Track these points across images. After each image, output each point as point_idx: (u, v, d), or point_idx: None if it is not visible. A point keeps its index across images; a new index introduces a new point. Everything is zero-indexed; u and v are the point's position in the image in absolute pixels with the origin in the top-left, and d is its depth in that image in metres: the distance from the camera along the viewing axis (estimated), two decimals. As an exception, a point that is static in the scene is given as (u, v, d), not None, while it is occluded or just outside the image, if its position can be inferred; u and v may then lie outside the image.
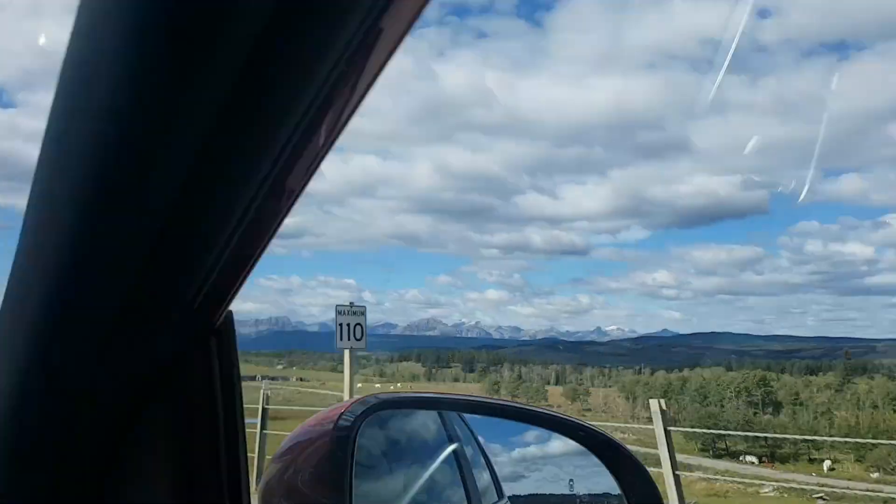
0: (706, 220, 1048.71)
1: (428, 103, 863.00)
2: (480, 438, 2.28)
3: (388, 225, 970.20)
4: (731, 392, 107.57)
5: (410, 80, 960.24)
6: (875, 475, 78.74)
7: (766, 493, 51.06)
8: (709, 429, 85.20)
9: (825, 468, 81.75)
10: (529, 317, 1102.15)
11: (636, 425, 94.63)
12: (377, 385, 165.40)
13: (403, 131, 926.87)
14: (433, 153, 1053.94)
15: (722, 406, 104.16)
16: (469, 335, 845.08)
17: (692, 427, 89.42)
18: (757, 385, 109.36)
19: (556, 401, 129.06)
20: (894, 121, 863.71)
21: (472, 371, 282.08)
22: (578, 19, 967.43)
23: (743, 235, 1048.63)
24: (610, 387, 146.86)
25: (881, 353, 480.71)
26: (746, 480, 60.94)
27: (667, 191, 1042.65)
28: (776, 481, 54.13)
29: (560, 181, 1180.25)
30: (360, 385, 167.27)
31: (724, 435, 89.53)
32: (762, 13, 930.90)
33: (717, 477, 71.05)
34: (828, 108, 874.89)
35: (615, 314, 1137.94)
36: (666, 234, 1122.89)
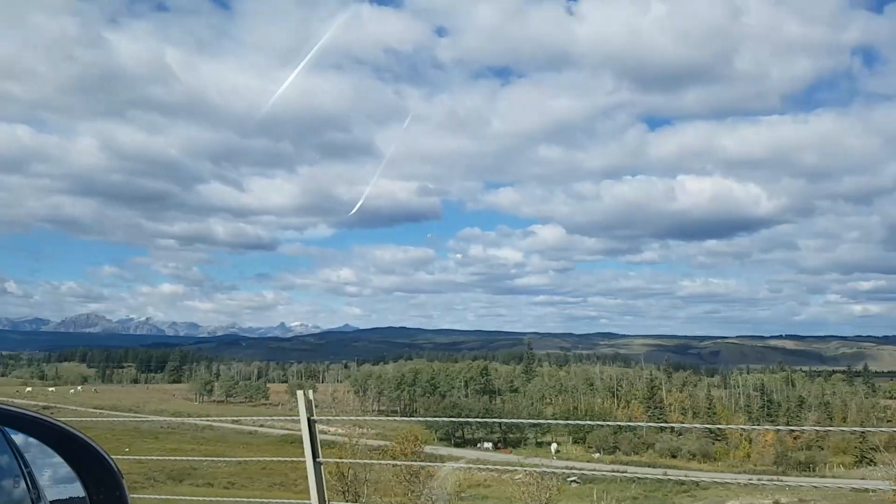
0: (387, 221, 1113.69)
1: (96, 73, 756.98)
2: None
3: (40, 206, 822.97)
4: (459, 381, 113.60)
5: (75, 45, 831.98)
6: (596, 455, 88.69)
7: (520, 478, 52.09)
8: (451, 417, 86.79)
9: (552, 450, 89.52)
10: (209, 312, 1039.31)
11: (370, 418, 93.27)
12: (51, 389, 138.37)
13: (64, 101, 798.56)
14: (100, 129, 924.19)
15: (458, 396, 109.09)
16: (139, 332, 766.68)
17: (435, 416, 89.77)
18: (480, 374, 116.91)
19: (281, 398, 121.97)
20: (544, 143, 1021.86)
21: (152, 371, 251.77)
22: (267, 8, 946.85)
23: (418, 237, 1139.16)
24: (341, 381, 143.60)
25: (534, 343, 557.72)
26: (499, 467, 62.63)
27: (351, 191, 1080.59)
28: (523, 466, 56.24)
29: (247, 173, 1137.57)
30: (28, 389, 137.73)
31: (463, 423, 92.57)
32: (440, 31, 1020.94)
33: (471, 466, 72.66)
34: (493, 125, 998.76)
35: (299, 310, 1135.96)
36: (350, 232, 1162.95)
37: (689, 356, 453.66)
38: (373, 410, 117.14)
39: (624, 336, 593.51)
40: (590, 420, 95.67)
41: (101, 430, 71.33)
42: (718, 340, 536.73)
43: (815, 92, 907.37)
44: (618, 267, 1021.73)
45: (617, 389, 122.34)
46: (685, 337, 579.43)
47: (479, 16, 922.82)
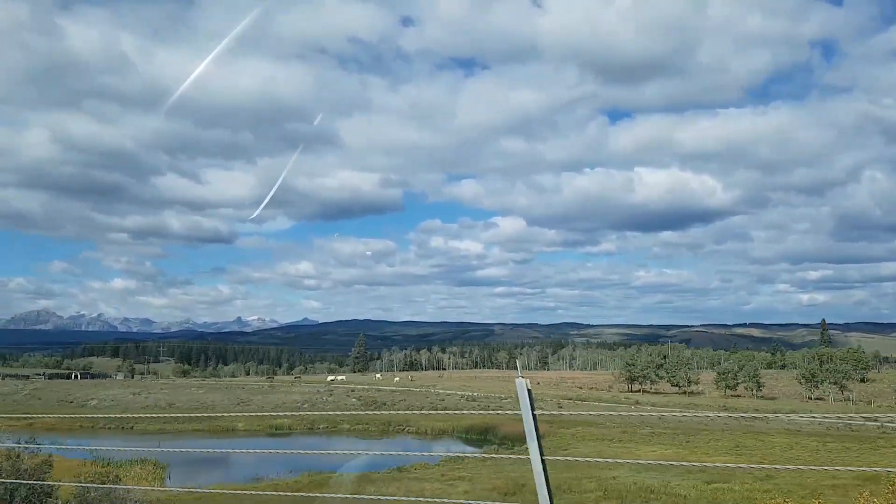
0: (348, 213, 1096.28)
1: (48, 62, 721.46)
2: None
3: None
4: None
5: (25, 32, 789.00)
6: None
7: None
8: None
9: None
10: (162, 308, 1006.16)
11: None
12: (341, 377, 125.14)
13: (12, 91, 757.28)
14: (51, 120, 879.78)
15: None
16: (91, 328, 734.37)
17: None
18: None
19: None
20: (506, 136, 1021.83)
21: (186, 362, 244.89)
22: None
23: (380, 230, 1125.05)
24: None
25: (499, 335, 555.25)
26: None
27: (312, 183, 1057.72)
28: None
29: (204, 164, 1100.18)
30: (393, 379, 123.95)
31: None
32: (405, 21, 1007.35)
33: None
34: (456, 117, 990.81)
35: (256, 304, 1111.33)
36: (310, 225, 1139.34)
37: (662, 344, 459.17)
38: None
39: (591, 326, 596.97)
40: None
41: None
42: (685, 329, 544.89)
43: (773, 85, 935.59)
44: (576, 258, 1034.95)
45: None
46: (651, 326, 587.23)
47: (446, 5, 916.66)
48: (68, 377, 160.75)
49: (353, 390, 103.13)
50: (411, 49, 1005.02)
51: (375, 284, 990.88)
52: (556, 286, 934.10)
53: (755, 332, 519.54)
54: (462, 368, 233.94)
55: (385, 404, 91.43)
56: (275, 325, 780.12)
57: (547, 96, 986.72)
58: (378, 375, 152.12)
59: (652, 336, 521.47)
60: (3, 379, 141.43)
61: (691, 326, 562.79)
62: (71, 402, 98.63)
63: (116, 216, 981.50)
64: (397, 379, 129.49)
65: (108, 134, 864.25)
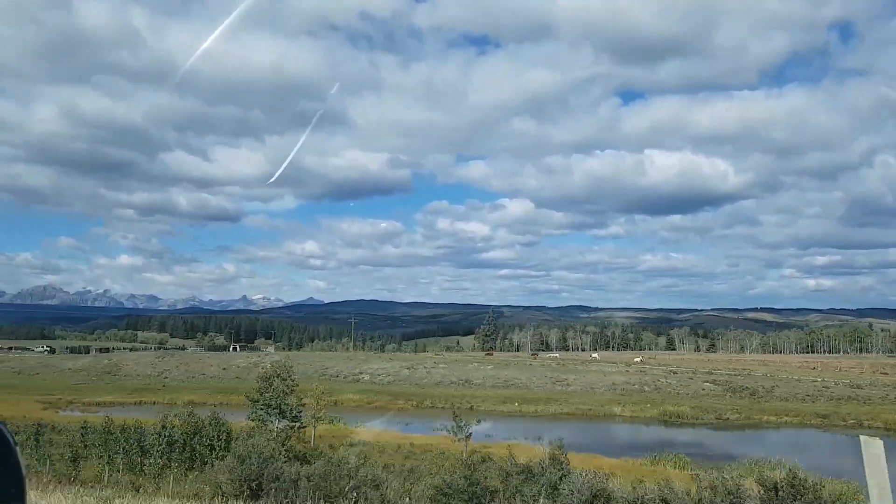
0: (356, 193, 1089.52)
1: (60, 37, 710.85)
2: None
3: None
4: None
5: (38, 7, 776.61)
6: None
7: None
8: None
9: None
10: (168, 285, 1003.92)
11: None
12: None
13: (24, 66, 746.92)
14: (62, 95, 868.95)
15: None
16: (97, 304, 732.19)
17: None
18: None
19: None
20: (518, 116, 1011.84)
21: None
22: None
23: (387, 211, 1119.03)
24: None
25: (509, 317, 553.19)
26: None
27: (320, 162, 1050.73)
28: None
29: (213, 142, 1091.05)
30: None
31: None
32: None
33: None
34: (467, 97, 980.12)
35: (261, 283, 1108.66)
36: (317, 205, 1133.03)
37: (676, 328, 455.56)
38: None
39: (600, 309, 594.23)
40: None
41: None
42: (697, 313, 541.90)
43: (790, 67, 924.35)
44: (583, 241, 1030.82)
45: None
46: (661, 310, 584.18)
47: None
48: (223, 349, 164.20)
49: (694, 373, 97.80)
50: (424, 25, 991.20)
51: (381, 265, 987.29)
52: (562, 269, 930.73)
53: (767, 317, 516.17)
54: (587, 350, 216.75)
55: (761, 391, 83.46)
56: (280, 303, 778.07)
57: (560, 76, 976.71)
58: (595, 355, 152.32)
59: (663, 320, 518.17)
60: (156, 351, 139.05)
61: (702, 310, 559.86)
62: (336, 375, 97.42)
63: (124, 192, 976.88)
64: (638, 360, 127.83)
65: (118, 110, 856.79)
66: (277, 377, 35.96)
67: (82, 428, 33.14)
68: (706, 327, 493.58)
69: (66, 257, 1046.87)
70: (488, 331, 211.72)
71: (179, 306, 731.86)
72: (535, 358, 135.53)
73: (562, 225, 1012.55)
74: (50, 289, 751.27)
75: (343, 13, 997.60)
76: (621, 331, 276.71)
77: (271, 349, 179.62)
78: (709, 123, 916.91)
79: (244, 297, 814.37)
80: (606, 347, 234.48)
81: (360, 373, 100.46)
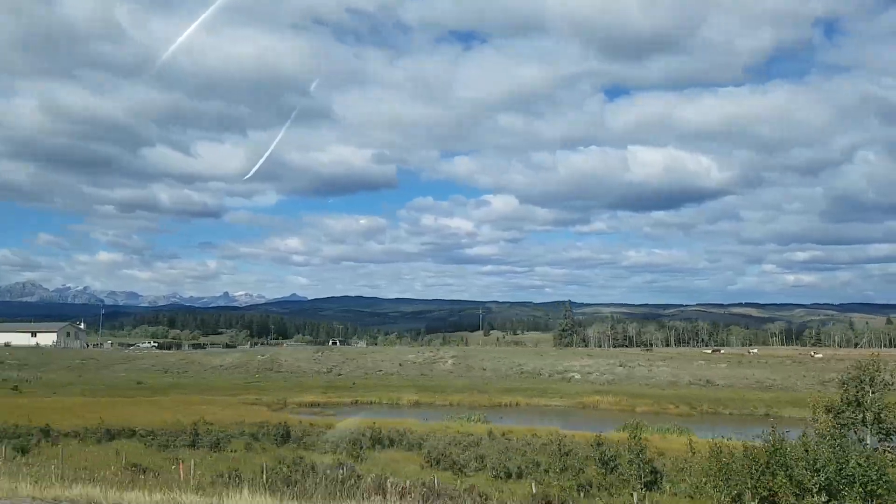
0: (340, 189, 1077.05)
1: (41, 29, 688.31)
2: None
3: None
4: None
5: None
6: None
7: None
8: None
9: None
10: (149, 282, 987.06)
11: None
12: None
13: (4, 59, 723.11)
14: (43, 89, 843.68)
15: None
16: (77, 301, 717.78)
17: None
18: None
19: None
20: (504, 112, 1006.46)
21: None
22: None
23: (372, 206, 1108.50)
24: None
25: (496, 312, 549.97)
26: None
27: (304, 157, 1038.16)
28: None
29: (195, 136, 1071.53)
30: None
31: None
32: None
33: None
34: (453, 93, 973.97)
35: (244, 279, 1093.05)
36: (301, 201, 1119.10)
37: (665, 322, 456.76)
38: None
39: (587, 304, 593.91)
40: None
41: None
42: (683, 308, 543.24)
43: (775, 63, 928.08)
44: (568, 237, 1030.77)
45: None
46: (647, 305, 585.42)
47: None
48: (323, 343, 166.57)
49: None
50: (411, 20, 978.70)
51: (364, 261, 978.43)
52: (546, 265, 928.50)
53: (753, 312, 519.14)
54: (653, 347, 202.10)
55: None
56: (262, 300, 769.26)
57: (546, 72, 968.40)
58: (709, 350, 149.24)
59: (651, 315, 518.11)
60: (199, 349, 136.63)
61: (688, 306, 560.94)
62: (539, 374, 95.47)
63: (105, 188, 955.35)
64: (819, 355, 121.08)
65: (99, 104, 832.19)
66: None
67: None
68: (695, 322, 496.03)
69: (46, 254, 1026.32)
70: (565, 325, 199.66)
71: (160, 303, 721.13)
72: (715, 353, 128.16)
73: (546, 221, 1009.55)
74: (29, 285, 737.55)
75: (329, 7, 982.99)
76: (710, 326, 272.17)
77: (362, 344, 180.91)
78: (694, 119, 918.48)
79: (226, 293, 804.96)
80: (686, 344, 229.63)
81: (566, 370, 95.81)
